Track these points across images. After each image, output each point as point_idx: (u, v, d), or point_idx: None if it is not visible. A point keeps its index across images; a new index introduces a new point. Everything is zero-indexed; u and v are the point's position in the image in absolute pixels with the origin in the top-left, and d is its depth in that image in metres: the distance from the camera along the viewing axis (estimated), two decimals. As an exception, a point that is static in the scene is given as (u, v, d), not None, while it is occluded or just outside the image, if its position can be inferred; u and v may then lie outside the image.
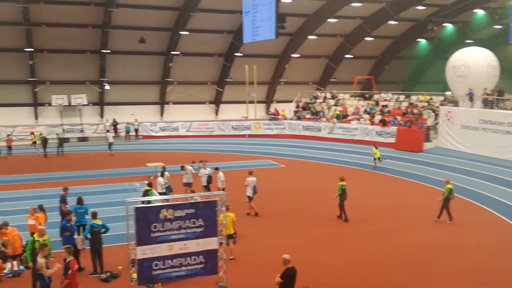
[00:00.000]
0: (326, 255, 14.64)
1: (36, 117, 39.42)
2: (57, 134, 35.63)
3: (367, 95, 41.75)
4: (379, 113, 36.86)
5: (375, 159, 28.00)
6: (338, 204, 18.18)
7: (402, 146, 31.60)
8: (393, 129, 33.07)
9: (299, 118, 40.95)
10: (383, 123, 34.30)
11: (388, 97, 39.46)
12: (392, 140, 32.78)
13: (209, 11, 37.54)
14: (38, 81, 38.33)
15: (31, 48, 35.96)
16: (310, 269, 12.89)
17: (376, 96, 40.45)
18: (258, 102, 44.23)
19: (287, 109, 43.40)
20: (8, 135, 34.35)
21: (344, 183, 18.18)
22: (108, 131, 37.98)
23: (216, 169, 20.13)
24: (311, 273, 12.56)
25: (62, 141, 33.96)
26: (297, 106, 43.49)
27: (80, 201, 15.28)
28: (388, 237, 16.25)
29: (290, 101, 44.59)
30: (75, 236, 13.90)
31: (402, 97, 38.60)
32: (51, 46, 37.17)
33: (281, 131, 40.29)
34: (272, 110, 45.24)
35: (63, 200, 16.12)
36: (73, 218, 13.93)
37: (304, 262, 12.60)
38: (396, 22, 42.00)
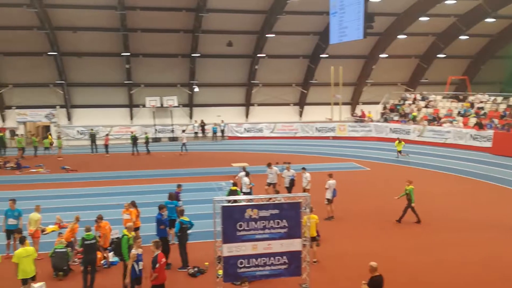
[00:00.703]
0: (412, 262, 14.05)
1: (131, 118, 41.86)
2: (146, 133, 37.67)
3: (461, 97, 39.51)
4: (474, 115, 34.74)
5: (398, 151, 31.24)
6: (405, 207, 17.78)
7: (500, 151, 29.52)
8: (490, 132, 30.99)
9: (386, 120, 39.74)
10: (479, 126, 32.24)
11: (485, 99, 37.07)
12: (488, 144, 30.74)
13: (296, 13, 37.61)
14: (133, 84, 40.69)
15: (128, 52, 38.27)
16: (397, 277, 12.45)
17: (471, 98, 38.17)
18: (343, 103, 43.54)
19: (374, 111, 42.29)
20: (107, 134, 36.81)
21: (411, 187, 17.70)
22: (183, 131, 39.40)
23: (303, 169, 20.20)
24: (398, 281, 12.12)
25: (148, 140, 35.93)
26: (384, 108, 42.23)
27: (171, 196, 16.09)
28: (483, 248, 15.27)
29: (377, 103, 43.38)
30: (167, 226, 14.58)
31: (499, 99, 36.08)
32: (146, 50, 39.29)
33: (367, 133, 39.34)
34: (357, 111, 44.33)
35: (176, 197, 16.40)
36: (166, 212, 14.61)
37: (389, 268, 12.19)
38: (494, 20, 39.31)
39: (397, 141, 31.78)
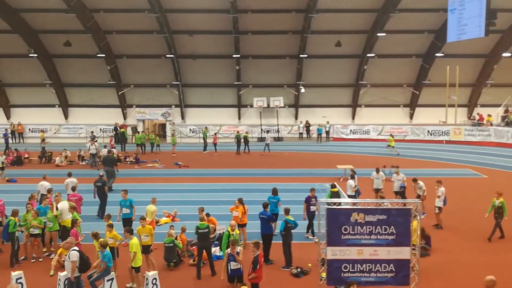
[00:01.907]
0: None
1: (239, 117, 43.13)
2: (246, 133, 38.41)
3: None
4: None
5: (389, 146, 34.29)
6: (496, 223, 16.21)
7: None
8: None
9: (507, 125, 36.52)
10: None
11: None
12: None
13: (409, 11, 36.04)
14: (242, 85, 41.88)
15: (238, 54, 39.48)
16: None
17: None
18: (459, 106, 40.81)
19: (494, 114, 39.08)
20: (215, 133, 38.32)
21: (500, 199, 16.12)
22: (268, 131, 39.37)
23: (415, 180, 18.93)
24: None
25: (247, 140, 36.62)
26: (506, 111, 38.83)
27: (274, 191, 16.41)
28: None
29: (498, 106, 40.04)
30: (274, 222, 14.82)
31: None
32: (255, 52, 40.22)
33: (485, 138, 36.47)
34: (475, 114, 41.26)
35: (307, 201, 16.23)
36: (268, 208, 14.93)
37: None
38: None
39: (390, 136, 35.65)
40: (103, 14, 36.46)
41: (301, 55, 39.65)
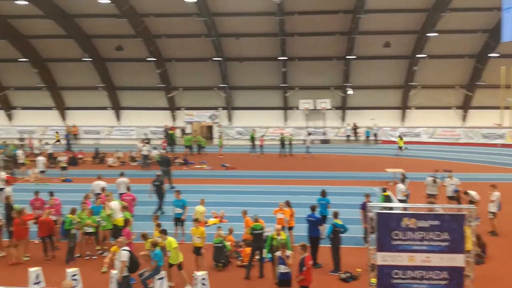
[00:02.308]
0: None
1: (285, 120, 43.08)
2: (290, 135, 38.18)
3: None
4: None
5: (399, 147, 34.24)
6: None
7: None
8: None
9: None
10: None
11: None
12: None
13: (462, 10, 34.85)
14: (288, 87, 41.82)
15: (285, 56, 39.46)
16: None
17: None
18: (516, 108, 39.08)
19: (553, 117, 37.21)
20: (262, 136, 38.44)
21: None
22: (309, 134, 38.91)
23: (466, 193, 18.06)
24: None
25: (283, 142, 36.34)
26: None
27: (323, 193, 16.40)
28: None
29: (558, 108, 38.08)
30: (322, 225, 14.69)
31: None
32: (301, 54, 40.07)
33: (544, 141, 34.78)
34: (533, 117, 39.36)
35: (363, 207, 15.83)
36: (317, 210, 14.84)
37: None
38: None
39: (398, 138, 35.51)
40: (153, 18, 37.39)
41: (348, 57, 39.14)
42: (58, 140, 40.70)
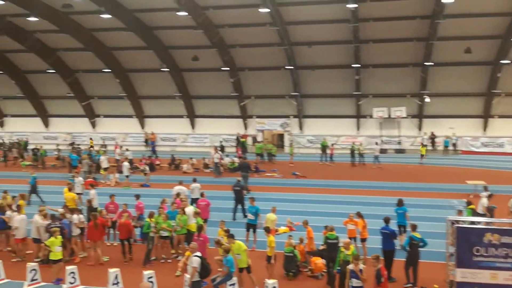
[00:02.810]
0: None
1: (358, 128, 42.25)
2: (360, 144, 37.21)
3: None
4: None
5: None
6: None
7: None
8: None
9: None
10: None
11: None
12: None
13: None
14: (361, 95, 41.01)
15: (358, 64, 38.79)
16: None
17: None
18: None
19: None
20: (332, 144, 37.95)
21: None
22: (376, 143, 37.54)
23: None
24: None
25: (353, 151, 35.59)
26: None
27: (400, 202, 15.96)
28: None
29: None
30: (397, 238, 14.21)
31: None
32: (376, 61, 39.17)
33: None
34: None
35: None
36: (391, 222, 14.37)
37: None
38: None
39: (421, 146, 35.71)
40: (228, 29, 38.28)
41: (426, 63, 37.71)
42: (91, 146, 42.23)
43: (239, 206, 20.40)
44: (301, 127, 43.37)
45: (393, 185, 27.34)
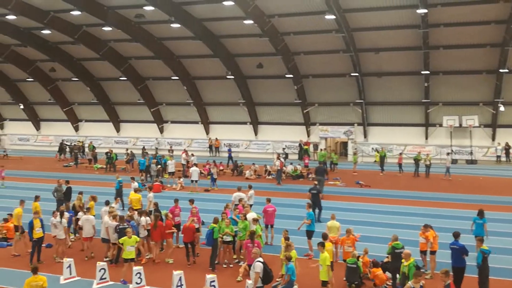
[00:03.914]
0: None
1: (426, 137, 40.76)
2: (427, 155, 35.62)
3: None
4: None
5: None
6: None
7: None
8: None
9: None
10: None
11: None
12: None
13: None
14: (431, 103, 39.56)
15: (427, 70, 37.47)
16: None
17: None
18: None
19: None
20: (400, 153, 36.81)
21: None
22: (448, 153, 35.55)
23: None
24: None
25: (417, 160, 34.13)
26: None
27: (481, 213, 15.74)
28: None
29: None
30: (467, 254, 13.52)
31: None
32: (446, 68, 37.69)
33: None
34: None
35: None
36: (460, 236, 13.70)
37: None
38: None
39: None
40: (293, 36, 38.32)
41: (500, 70, 35.78)
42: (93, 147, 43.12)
43: (316, 210, 20.49)
44: (365, 135, 42.52)
45: (463, 197, 26.08)
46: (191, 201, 18.15)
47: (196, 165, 31.03)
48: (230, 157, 38.93)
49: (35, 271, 11.71)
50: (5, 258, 16.55)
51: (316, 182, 22.24)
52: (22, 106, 52.73)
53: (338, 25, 34.51)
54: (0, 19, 39.35)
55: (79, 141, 47.05)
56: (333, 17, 32.75)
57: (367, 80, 40.31)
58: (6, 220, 19.16)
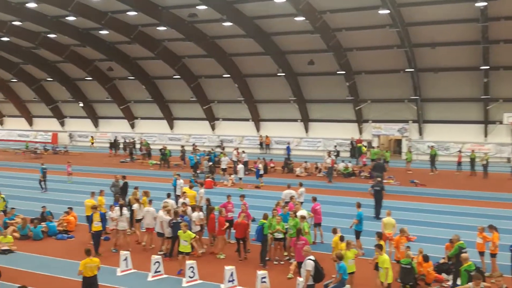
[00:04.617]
0: None
1: (485, 135, 39.06)
2: (472, 152, 34.29)
3: None
4: None
5: None
6: None
7: None
8: None
9: None
10: None
11: None
12: None
13: None
14: (490, 99, 37.83)
15: (487, 65, 35.86)
16: None
17: None
18: None
19: None
20: (459, 151, 35.48)
21: None
22: None
23: None
24: None
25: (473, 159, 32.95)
26: None
27: None
28: None
29: None
30: None
31: None
32: (507, 63, 35.88)
33: None
34: None
35: None
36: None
37: None
38: None
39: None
40: (345, 32, 37.74)
41: None
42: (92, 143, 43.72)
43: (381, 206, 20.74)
44: (420, 133, 41.27)
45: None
46: (242, 197, 18.36)
47: (246, 162, 31.22)
48: (288, 155, 38.72)
49: (89, 253, 12.67)
50: (66, 250, 17.34)
51: (379, 179, 22.18)
52: (81, 104, 55.04)
53: (392, 19, 33.66)
54: (60, 20, 41.22)
55: (132, 138, 48.68)
56: (387, 11, 32.00)
57: (422, 76, 39.09)
58: (67, 213, 20.09)
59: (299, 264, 13.26)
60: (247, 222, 16.44)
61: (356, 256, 13.32)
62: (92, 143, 52.46)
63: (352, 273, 13.04)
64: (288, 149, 40.13)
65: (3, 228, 18.36)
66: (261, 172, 30.23)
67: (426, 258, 13.94)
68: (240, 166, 29.44)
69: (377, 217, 20.35)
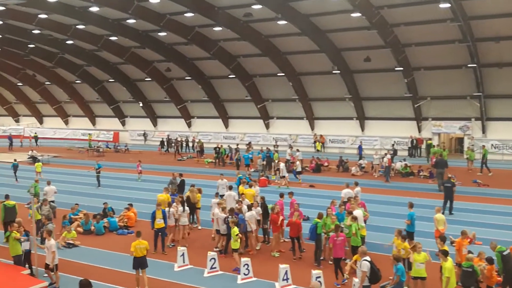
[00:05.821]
0: None
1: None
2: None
3: None
4: None
5: None
6: None
7: None
8: None
9: None
10: None
11: None
12: None
13: None
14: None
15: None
16: None
17: None
18: None
19: None
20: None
21: None
22: None
23: None
24: None
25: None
26: None
27: None
28: None
29: None
30: None
31: None
32: None
33: None
34: None
35: None
36: None
37: None
38: None
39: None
40: (403, 27, 36.65)
41: None
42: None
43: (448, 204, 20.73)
44: (484, 131, 39.44)
45: None
46: (291, 194, 18.45)
47: (301, 160, 31.04)
48: (360, 154, 37.59)
49: (139, 234, 13.88)
50: (126, 245, 17.91)
51: (450, 176, 22.58)
52: (141, 104, 56.87)
53: (453, 13, 32.36)
54: (121, 23, 42.76)
55: (185, 136, 49.93)
56: (448, 5, 30.79)
57: (486, 71, 37.33)
58: (128, 209, 20.84)
59: (336, 260, 14.01)
60: (300, 221, 16.37)
61: (427, 261, 12.65)
62: (90, 140, 52.99)
63: (423, 278, 12.51)
64: (359, 148, 38.99)
65: (69, 223, 19.31)
66: (298, 169, 30.04)
67: (490, 261, 13.32)
68: (282, 165, 29.23)
69: (450, 213, 20.58)
